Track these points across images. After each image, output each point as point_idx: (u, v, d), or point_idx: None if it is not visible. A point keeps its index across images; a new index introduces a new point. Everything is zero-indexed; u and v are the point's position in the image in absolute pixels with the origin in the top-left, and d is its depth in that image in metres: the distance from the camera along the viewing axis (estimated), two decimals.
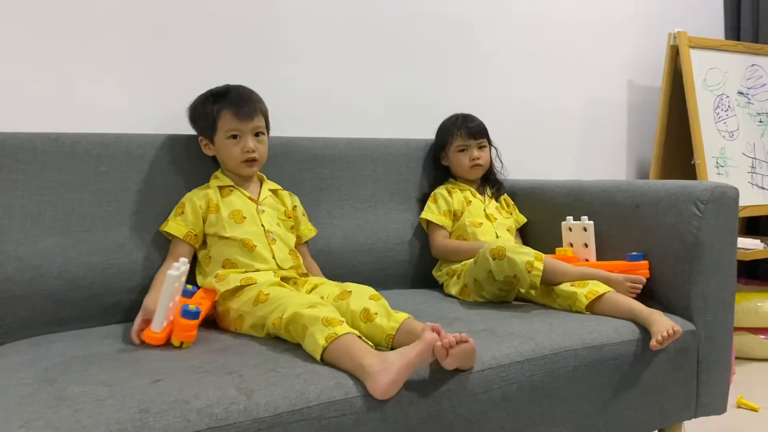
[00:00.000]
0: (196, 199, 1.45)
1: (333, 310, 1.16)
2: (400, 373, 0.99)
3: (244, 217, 1.44)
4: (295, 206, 1.59)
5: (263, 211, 1.48)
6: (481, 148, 1.85)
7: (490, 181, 1.91)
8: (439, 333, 1.05)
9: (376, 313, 1.19)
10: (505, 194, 1.92)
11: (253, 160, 1.46)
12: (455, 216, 1.81)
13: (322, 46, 1.96)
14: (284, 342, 1.18)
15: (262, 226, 1.45)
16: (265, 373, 1.01)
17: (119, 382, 0.96)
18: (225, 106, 1.44)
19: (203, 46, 1.76)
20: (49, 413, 0.86)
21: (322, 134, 1.80)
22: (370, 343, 1.10)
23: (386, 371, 0.99)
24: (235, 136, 1.45)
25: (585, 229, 1.62)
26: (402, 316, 1.18)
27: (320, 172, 1.74)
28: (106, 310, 1.39)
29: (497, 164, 1.94)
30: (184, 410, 0.88)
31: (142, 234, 1.45)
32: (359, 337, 1.08)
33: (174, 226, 1.42)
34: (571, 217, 1.66)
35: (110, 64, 1.64)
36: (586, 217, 1.63)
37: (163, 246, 1.46)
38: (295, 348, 1.14)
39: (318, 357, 1.06)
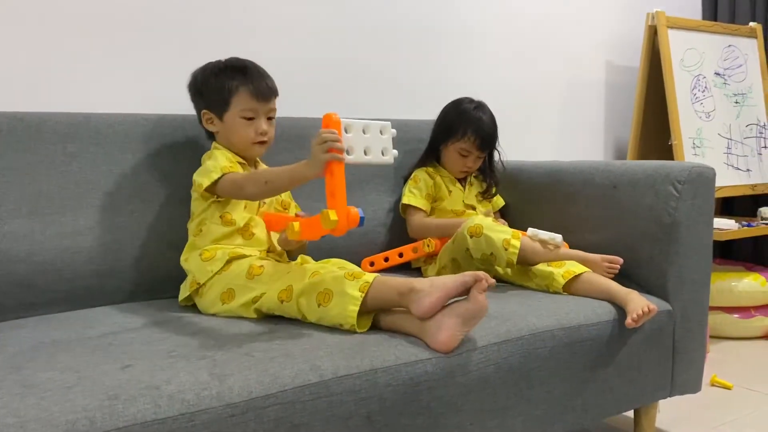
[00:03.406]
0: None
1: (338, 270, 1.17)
2: (440, 297, 1.07)
3: (245, 206, 1.38)
4: None
5: (264, 203, 1.42)
6: (479, 158, 1.77)
7: (483, 174, 1.83)
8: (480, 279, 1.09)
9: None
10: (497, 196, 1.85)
11: (264, 142, 1.41)
12: (434, 200, 1.79)
13: (304, 24, 1.92)
14: (259, 325, 1.17)
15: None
16: (239, 357, 0.99)
17: (88, 369, 0.94)
18: (244, 83, 1.36)
19: (177, 21, 1.71)
20: (15, 401, 0.83)
21: (301, 114, 1.77)
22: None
23: (432, 292, 1.07)
24: (249, 118, 1.37)
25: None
26: None
27: (300, 153, 1.68)
28: (75, 295, 1.35)
29: (499, 166, 1.84)
30: (154, 396, 0.86)
31: (113, 217, 1.41)
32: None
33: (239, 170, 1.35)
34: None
35: (78, 41, 1.59)
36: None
37: (134, 230, 1.43)
38: (271, 331, 1.13)
39: (355, 312, 1.09)
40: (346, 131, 1.11)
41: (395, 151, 1.17)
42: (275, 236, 1.40)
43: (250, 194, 1.28)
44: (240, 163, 1.39)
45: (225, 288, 1.25)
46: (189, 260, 1.34)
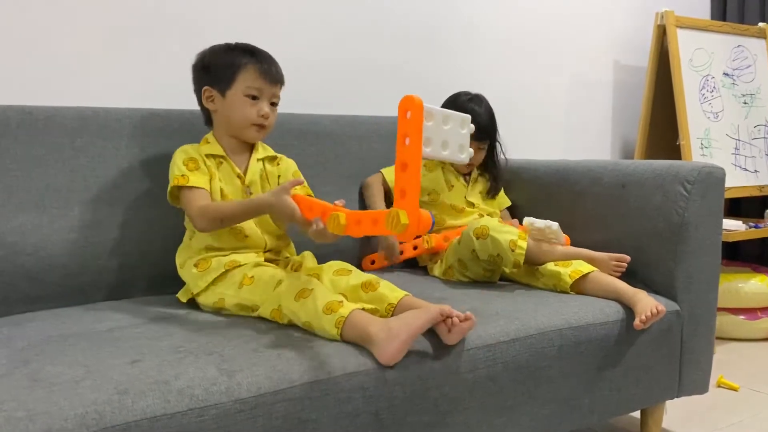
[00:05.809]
0: (198, 156, 1.34)
1: (324, 290, 1.12)
2: (405, 341, 1.02)
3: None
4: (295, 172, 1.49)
5: (251, 194, 1.38)
6: (479, 149, 1.74)
7: (486, 170, 1.82)
8: (450, 316, 1.07)
9: (379, 283, 1.20)
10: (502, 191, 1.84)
11: (264, 126, 1.36)
12: (428, 193, 1.76)
13: (308, 20, 1.91)
14: (266, 322, 1.16)
15: None
16: (247, 353, 0.99)
17: (96, 363, 0.94)
18: (253, 61, 1.34)
19: (182, 18, 1.71)
20: (23, 394, 0.83)
21: (308, 111, 1.77)
22: (371, 306, 1.12)
23: (392, 339, 1.01)
24: (254, 97, 1.34)
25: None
26: (405, 293, 1.19)
27: (306, 148, 1.70)
28: (83, 289, 1.35)
29: (501, 160, 1.82)
30: (163, 391, 0.86)
31: (120, 211, 1.41)
32: (363, 309, 1.09)
33: (197, 178, 1.30)
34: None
35: (84, 36, 1.59)
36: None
37: (140, 224, 1.42)
38: (278, 327, 1.12)
39: (339, 339, 1.06)
40: (425, 119, 0.95)
41: (471, 150, 1.04)
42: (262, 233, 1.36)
43: (200, 228, 1.27)
44: (215, 156, 1.35)
45: (217, 297, 1.24)
46: (184, 268, 1.32)
